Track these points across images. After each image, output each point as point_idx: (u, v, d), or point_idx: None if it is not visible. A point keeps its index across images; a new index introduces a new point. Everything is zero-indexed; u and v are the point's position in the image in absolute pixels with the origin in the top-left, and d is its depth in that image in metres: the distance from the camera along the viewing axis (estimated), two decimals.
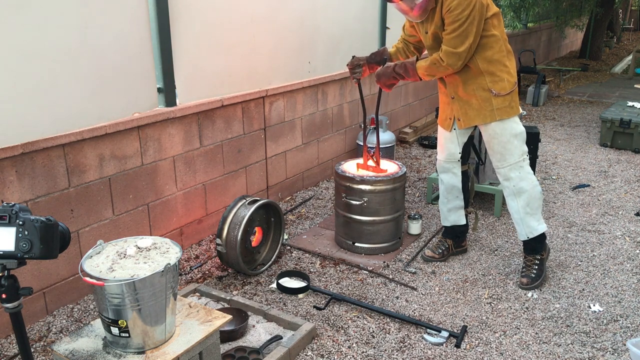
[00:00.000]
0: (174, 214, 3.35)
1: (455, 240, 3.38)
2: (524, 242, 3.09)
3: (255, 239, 3.24)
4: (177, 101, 3.24)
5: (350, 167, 3.52)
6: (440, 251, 3.35)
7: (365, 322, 2.73)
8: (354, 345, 2.55)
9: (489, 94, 2.85)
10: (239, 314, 2.63)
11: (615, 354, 2.49)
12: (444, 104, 3.10)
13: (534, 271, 3.06)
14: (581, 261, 3.36)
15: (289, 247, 3.53)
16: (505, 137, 2.91)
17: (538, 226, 3.01)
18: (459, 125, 3.02)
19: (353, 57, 3.19)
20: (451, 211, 3.29)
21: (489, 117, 2.89)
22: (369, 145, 4.70)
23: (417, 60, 2.88)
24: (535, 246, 3.08)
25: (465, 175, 3.27)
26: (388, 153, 4.75)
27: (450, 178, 3.20)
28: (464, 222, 3.33)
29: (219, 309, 2.56)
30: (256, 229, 3.23)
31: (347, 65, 3.20)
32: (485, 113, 2.89)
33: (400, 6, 2.76)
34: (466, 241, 3.45)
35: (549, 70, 10.51)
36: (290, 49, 4.14)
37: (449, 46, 2.71)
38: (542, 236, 3.07)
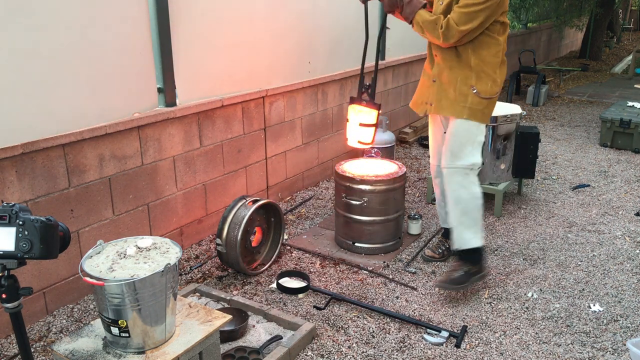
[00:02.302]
0: (174, 214, 3.35)
1: None
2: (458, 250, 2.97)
3: (255, 239, 3.24)
4: (177, 101, 3.24)
5: (350, 167, 3.52)
6: (441, 251, 3.34)
7: (365, 322, 2.73)
8: (354, 345, 2.55)
9: (469, 89, 2.79)
10: (239, 314, 2.63)
11: (615, 354, 2.49)
12: (422, 87, 3.04)
13: (455, 275, 2.90)
14: (581, 261, 3.36)
15: (289, 247, 3.53)
16: (465, 138, 2.85)
17: (471, 239, 2.90)
18: (429, 110, 2.96)
19: None
20: (448, 214, 3.25)
21: (459, 112, 2.83)
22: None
23: (425, 7, 2.78)
24: (468, 258, 2.94)
25: None
26: (388, 153, 4.75)
27: (443, 182, 3.14)
28: None
29: (219, 309, 2.56)
30: (256, 229, 3.23)
31: None
32: (457, 107, 2.83)
33: None
34: None
35: (549, 70, 10.51)
36: (290, 49, 4.14)
37: (454, 19, 2.64)
38: (478, 251, 2.93)
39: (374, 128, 3.13)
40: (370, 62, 3.18)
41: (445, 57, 2.82)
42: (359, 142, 3.15)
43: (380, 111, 3.14)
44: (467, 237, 2.91)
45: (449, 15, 2.67)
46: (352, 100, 3.18)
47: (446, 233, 3.36)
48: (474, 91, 2.78)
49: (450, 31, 2.66)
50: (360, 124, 3.10)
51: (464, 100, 2.81)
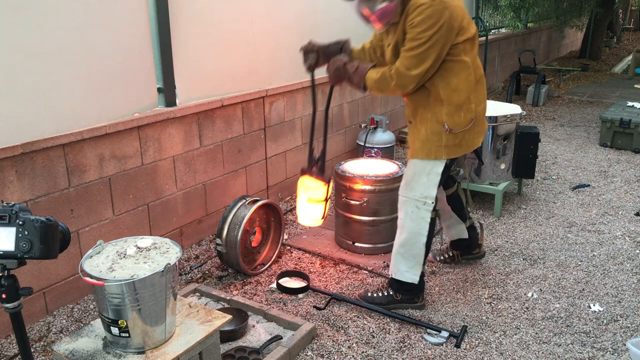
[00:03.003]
0: (174, 214, 3.35)
1: (463, 250, 3.26)
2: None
3: (255, 239, 3.24)
4: (177, 101, 3.24)
5: (350, 167, 3.51)
6: (442, 258, 3.30)
7: (365, 322, 2.73)
8: (354, 345, 2.55)
9: (441, 127, 2.53)
10: (239, 314, 2.63)
11: (615, 354, 2.49)
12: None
13: (380, 294, 2.83)
14: (581, 261, 3.36)
15: (289, 247, 3.53)
16: (419, 168, 2.63)
17: (405, 272, 2.74)
18: (408, 154, 2.74)
19: (308, 42, 2.82)
20: (450, 227, 3.17)
21: (434, 153, 2.58)
22: (368, 145, 4.73)
23: (374, 67, 2.55)
24: (397, 286, 2.80)
25: (453, 197, 3.04)
26: (388, 153, 4.75)
27: (437, 203, 3.01)
28: (465, 236, 3.15)
29: (219, 309, 2.56)
30: (256, 229, 3.23)
31: (300, 49, 2.80)
32: (431, 148, 2.58)
33: (360, 8, 2.43)
34: (480, 249, 3.27)
35: (549, 70, 10.51)
36: (291, 49, 4.13)
37: (403, 65, 2.39)
38: (411, 287, 2.77)
39: (324, 204, 2.87)
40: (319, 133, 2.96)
41: (413, 97, 2.58)
42: (309, 218, 2.91)
43: (331, 185, 2.88)
44: (402, 269, 2.75)
45: (396, 63, 2.42)
46: (302, 172, 2.93)
47: (452, 244, 3.27)
48: (446, 128, 2.52)
49: (403, 79, 2.41)
50: (309, 199, 2.85)
51: (438, 139, 2.56)
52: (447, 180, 2.98)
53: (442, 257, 3.30)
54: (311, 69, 2.79)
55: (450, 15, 2.32)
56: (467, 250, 3.26)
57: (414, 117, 2.64)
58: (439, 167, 2.61)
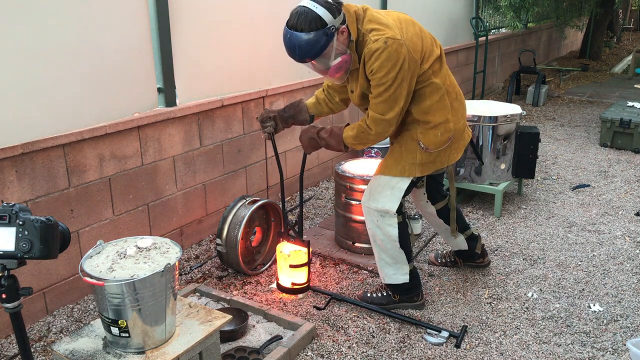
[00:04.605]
0: (174, 214, 3.35)
1: (465, 258, 3.21)
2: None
3: (255, 239, 3.24)
4: (177, 101, 3.24)
5: (350, 167, 3.51)
6: (443, 261, 3.26)
7: (365, 322, 2.73)
8: (354, 345, 2.55)
9: (416, 145, 2.49)
10: (239, 314, 2.63)
11: (615, 354, 2.49)
12: None
13: (379, 295, 2.83)
14: (581, 261, 3.36)
15: None
16: (384, 181, 2.59)
17: (394, 275, 2.72)
18: (375, 171, 2.70)
19: (264, 109, 2.84)
20: (449, 239, 3.09)
21: (407, 171, 2.54)
22: (372, 149, 4.71)
23: (347, 125, 2.51)
24: (395, 287, 2.78)
25: (443, 211, 2.96)
26: None
27: (428, 217, 3.02)
28: (465, 247, 3.09)
29: (219, 309, 2.56)
30: (256, 229, 3.23)
31: (256, 118, 2.77)
32: (405, 165, 2.54)
33: (315, 67, 2.34)
34: (485, 258, 3.20)
35: (549, 70, 10.51)
36: None
37: (376, 112, 2.33)
38: (406, 286, 2.76)
39: (307, 267, 2.92)
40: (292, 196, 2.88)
41: None
42: (293, 284, 2.93)
43: (309, 249, 2.91)
44: (389, 272, 2.74)
45: (369, 113, 2.37)
46: (279, 236, 2.97)
47: (456, 251, 3.18)
48: (422, 147, 2.49)
49: (380, 126, 2.36)
50: (291, 265, 2.88)
51: (411, 157, 2.52)
52: (436, 195, 2.93)
53: (443, 260, 3.27)
54: (271, 137, 2.75)
55: (407, 50, 2.26)
56: (470, 259, 3.21)
57: (395, 138, 2.60)
58: (404, 182, 2.58)
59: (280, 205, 3.01)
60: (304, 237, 3.17)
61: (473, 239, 3.11)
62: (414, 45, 2.31)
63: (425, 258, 3.38)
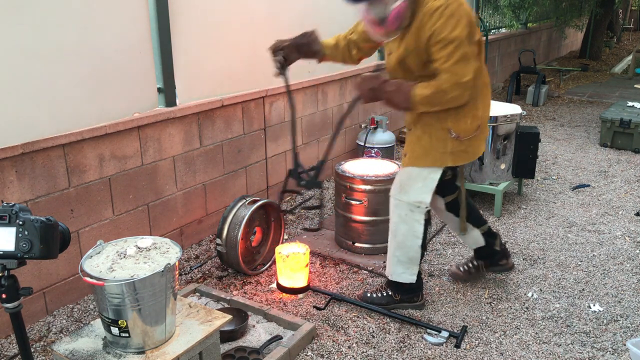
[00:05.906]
0: (174, 214, 3.35)
1: (487, 260, 3.01)
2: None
3: (255, 239, 3.24)
4: (177, 101, 3.24)
5: (350, 167, 3.51)
6: (466, 269, 3.03)
7: (365, 322, 2.73)
8: (354, 345, 2.55)
9: (446, 134, 2.44)
10: (239, 314, 2.63)
11: (615, 354, 2.49)
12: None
13: (379, 295, 2.82)
14: (581, 261, 3.36)
15: None
16: (416, 173, 2.55)
17: (402, 274, 2.70)
18: (403, 162, 2.64)
19: (277, 40, 2.70)
20: (464, 237, 2.96)
21: (439, 160, 2.49)
22: (368, 145, 4.72)
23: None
24: (395, 287, 2.78)
25: (453, 204, 2.85)
26: (388, 153, 4.75)
27: (438, 212, 2.92)
28: (482, 242, 2.91)
29: (219, 309, 2.56)
30: (256, 229, 3.23)
31: (269, 48, 2.68)
32: (436, 155, 2.48)
33: (368, 14, 2.25)
34: (509, 260, 3.02)
35: (549, 70, 10.51)
36: None
37: (455, 74, 2.22)
38: (409, 287, 2.74)
39: (306, 270, 2.94)
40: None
41: None
42: (291, 287, 2.95)
43: (307, 252, 2.93)
44: (398, 270, 2.71)
45: (445, 77, 2.24)
46: (291, 175, 2.84)
47: (475, 252, 3.02)
48: (453, 135, 2.43)
49: (458, 89, 2.24)
50: (291, 269, 2.90)
51: (442, 146, 2.46)
52: (444, 189, 2.78)
53: (466, 268, 3.03)
54: (282, 67, 2.67)
55: (466, 8, 2.25)
56: (491, 258, 3.00)
57: (415, 124, 2.54)
58: (436, 173, 2.54)
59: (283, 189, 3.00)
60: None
61: (491, 235, 2.95)
62: (470, 10, 2.29)
63: (425, 258, 3.38)
